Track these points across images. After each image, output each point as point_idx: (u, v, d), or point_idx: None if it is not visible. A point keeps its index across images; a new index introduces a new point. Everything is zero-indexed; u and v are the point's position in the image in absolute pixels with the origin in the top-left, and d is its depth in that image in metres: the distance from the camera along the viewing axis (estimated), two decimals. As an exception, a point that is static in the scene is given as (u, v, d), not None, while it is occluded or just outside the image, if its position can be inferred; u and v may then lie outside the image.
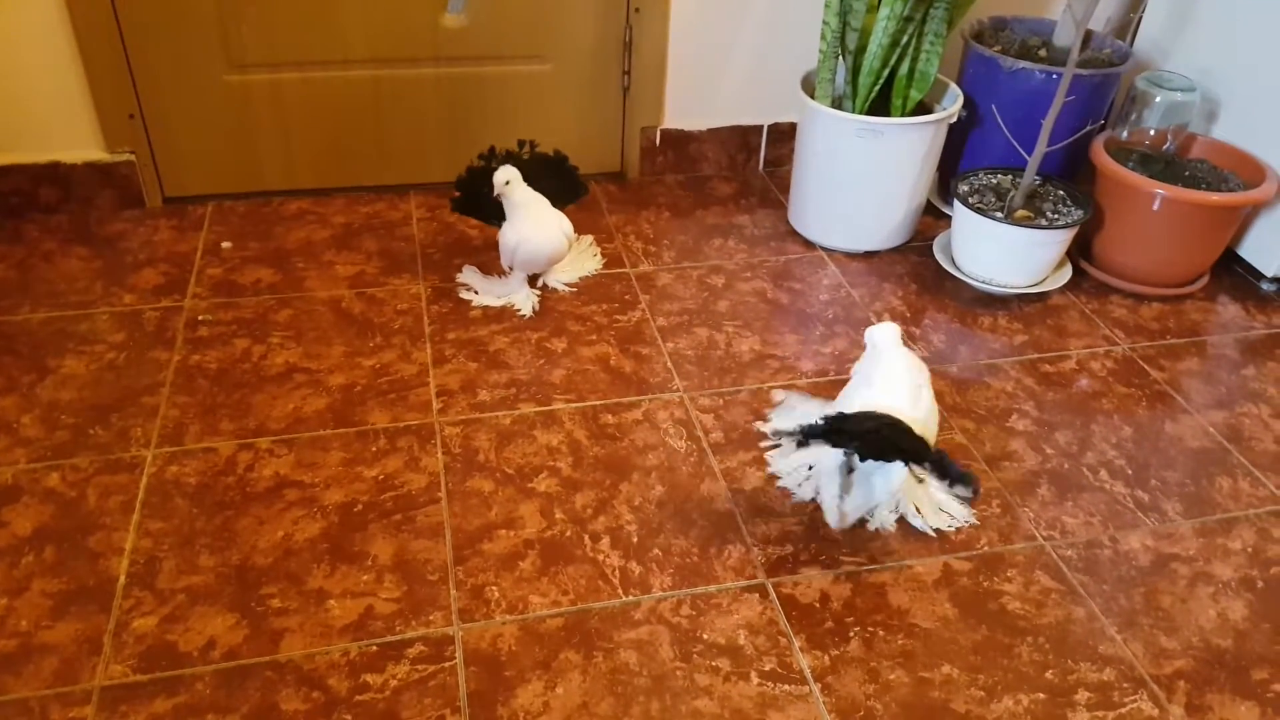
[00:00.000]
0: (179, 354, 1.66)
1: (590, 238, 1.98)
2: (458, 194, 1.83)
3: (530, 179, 1.75)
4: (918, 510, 1.37)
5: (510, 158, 1.77)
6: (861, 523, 1.36)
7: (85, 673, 1.15)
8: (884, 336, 1.33)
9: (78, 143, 1.99)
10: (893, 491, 1.30)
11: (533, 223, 1.74)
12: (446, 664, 1.17)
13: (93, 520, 1.34)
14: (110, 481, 1.41)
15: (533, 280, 1.86)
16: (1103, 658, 1.21)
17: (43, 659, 1.16)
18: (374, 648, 1.19)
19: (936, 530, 1.37)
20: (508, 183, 1.71)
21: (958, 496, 1.39)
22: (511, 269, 1.82)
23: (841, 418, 1.20)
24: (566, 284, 1.86)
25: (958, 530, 1.37)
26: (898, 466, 1.25)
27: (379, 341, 1.71)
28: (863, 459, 1.25)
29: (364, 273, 1.89)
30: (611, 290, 1.88)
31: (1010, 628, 1.25)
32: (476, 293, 1.82)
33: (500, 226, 1.78)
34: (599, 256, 1.95)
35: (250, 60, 1.98)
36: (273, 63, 1.99)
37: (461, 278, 1.86)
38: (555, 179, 1.83)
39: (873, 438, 1.19)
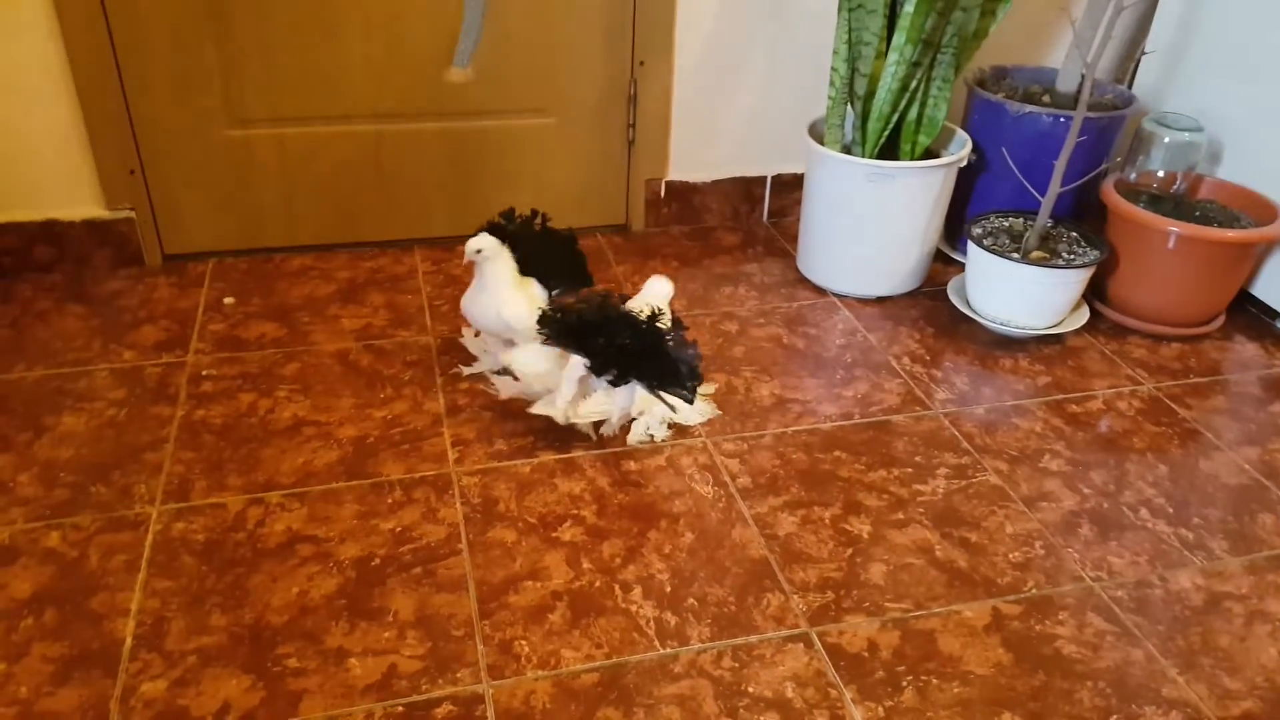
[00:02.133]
0: (182, 409, 1.60)
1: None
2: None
3: (528, 254, 1.62)
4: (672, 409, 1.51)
5: (521, 224, 1.63)
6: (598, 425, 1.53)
7: (90, 742, 1.07)
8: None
9: (76, 200, 1.95)
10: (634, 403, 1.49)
11: (489, 295, 1.59)
12: (478, 724, 1.10)
13: (95, 581, 1.27)
14: (113, 540, 1.34)
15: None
16: (1167, 700, 1.16)
17: (43, 729, 1.08)
18: (400, 708, 1.12)
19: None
20: (479, 251, 1.57)
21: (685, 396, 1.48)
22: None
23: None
24: (518, 370, 1.54)
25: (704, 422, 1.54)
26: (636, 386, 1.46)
27: (389, 393, 1.66)
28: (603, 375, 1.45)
29: (371, 325, 1.85)
30: (625, 339, 1.83)
31: (1068, 672, 1.19)
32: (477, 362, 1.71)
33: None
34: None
35: (252, 115, 1.96)
36: (275, 117, 1.97)
37: (464, 338, 1.76)
38: (560, 262, 1.68)
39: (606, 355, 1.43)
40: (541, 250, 1.65)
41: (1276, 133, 1.87)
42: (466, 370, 1.71)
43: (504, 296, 1.59)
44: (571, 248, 1.68)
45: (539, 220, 1.65)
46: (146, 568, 1.29)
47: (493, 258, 1.58)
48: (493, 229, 1.61)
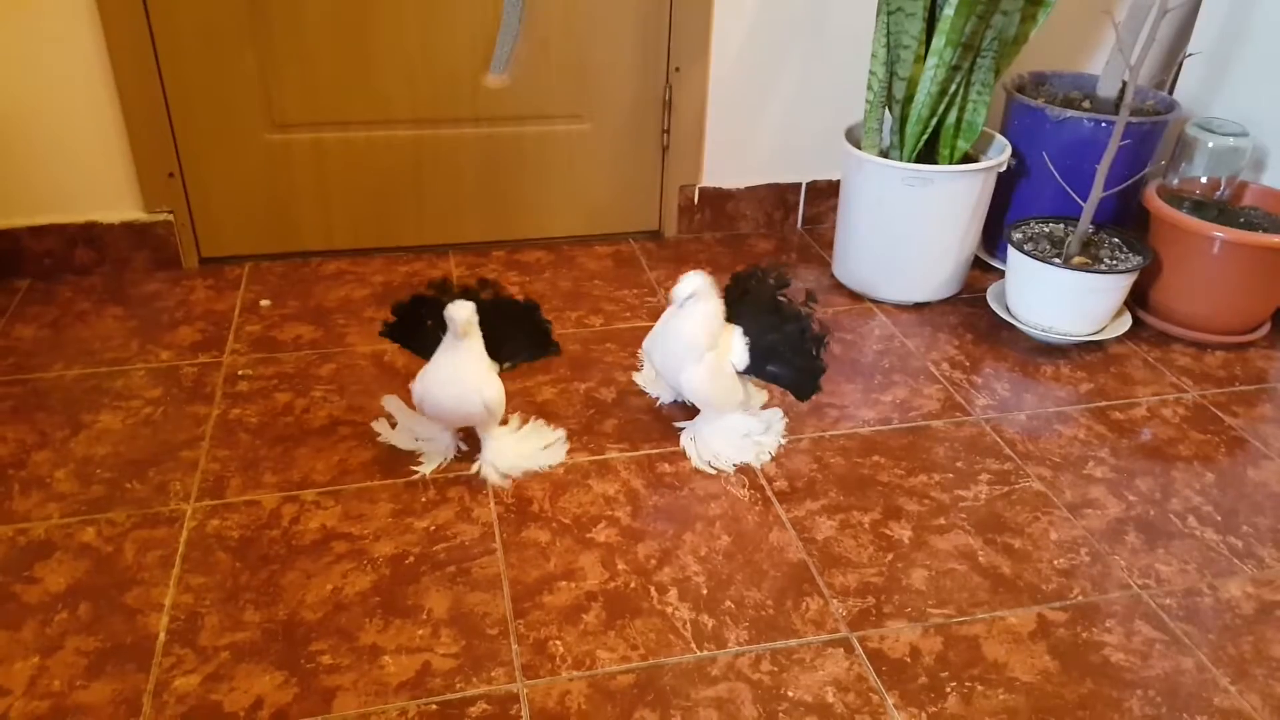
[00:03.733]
0: (218, 408, 1.60)
1: (562, 432, 1.54)
2: (393, 318, 1.47)
3: (490, 327, 1.40)
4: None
5: (467, 295, 1.41)
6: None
7: (124, 735, 1.06)
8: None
9: (115, 202, 1.97)
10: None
11: (449, 371, 1.38)
12: (513, 723, 1.08)
13: (130, 576, 1.27)
14: (148, 536, 1.34)
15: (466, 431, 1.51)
16: (1219, 710, 1.12)
17: (78, 720, 1.08)
18: (433, 706, 1.10)
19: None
20: (469, 320, 1.37)
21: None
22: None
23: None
24: (503, 474, 1.44)
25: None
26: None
27: (423, 394, 1.65)
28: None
29: (405, 328, 1.84)
30: (658, 343, 1.82)
31: (1116, 680, 1.16)
32: (393, 426, 1.50)
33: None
34: (563, 452, 1.51)
35: (291, 120, 1.97)
36: (314, 122, 1.99)
37: (385, 402, 1.55)
38: (520, 332, 1.49)
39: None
40: (504, 321, 1.45)
41: (1325, 137, 1.83)
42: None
43: (475, 371, 1.40)
44: (533, 315, 1.49)
45: (490, 291, 1.45)
46: (181, 563, 1.29)
47: (475, 328, 1.39)
48: (446, 295, 1.42)
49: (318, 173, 2.03)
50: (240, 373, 1.70)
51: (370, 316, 1.88)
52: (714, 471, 1.48)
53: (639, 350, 1.68)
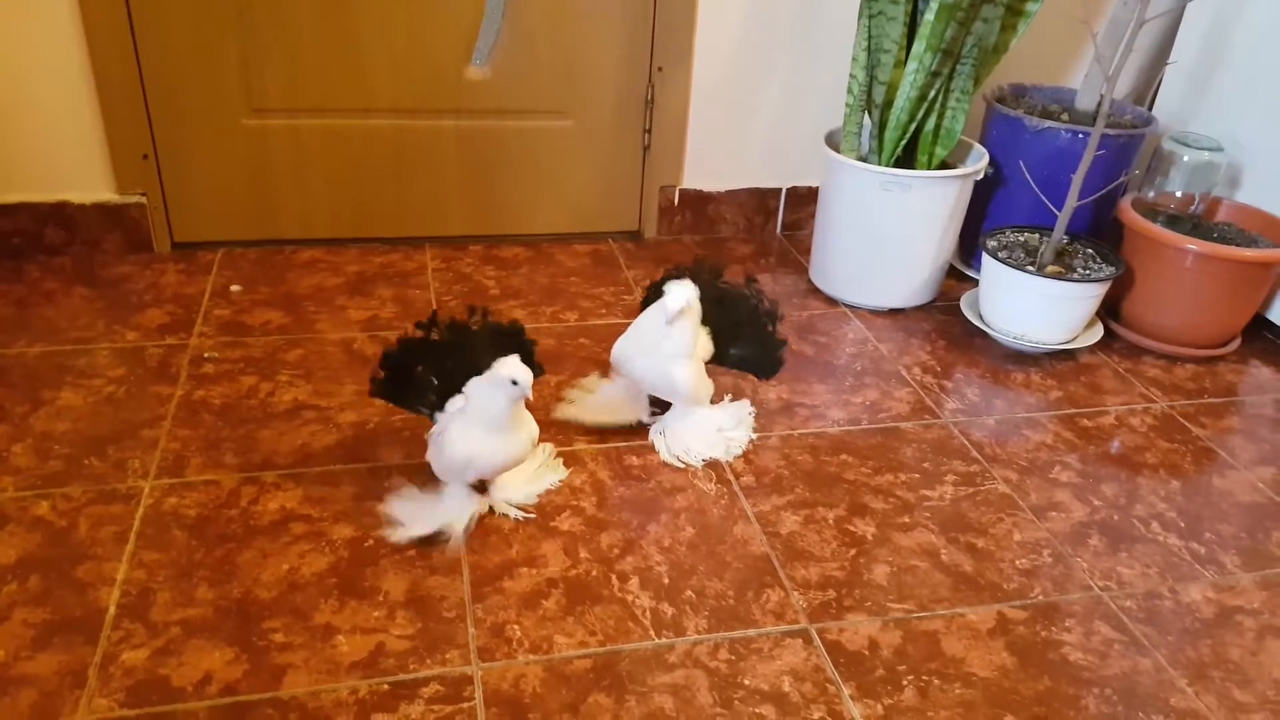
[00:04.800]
0: (182, 389, 1.59)
1: (550, 447, 1.48)
2: (382, 372, 1.30)
3: (474, 356, 1.25)
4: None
5: (457, 326, 1.27)
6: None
7: (67, 706, 1.04)
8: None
9: (88, 183, 1.95)
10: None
11: (495, 429, 1.24)
12: (465, 704, 1.07)
13: (83, 550, 1.25)
14: (104, 512, 1.31)
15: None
16: (1175, 710, 1.12)
17: (20, 691, 1.05)
18: (385, 686, 1.09)
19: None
20: (514, 382, 1.20)
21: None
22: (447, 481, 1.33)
23: None
24: (520, 507, 1.36)
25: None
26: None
27: (392, 381, 1.63)
28: None
29: (377, 317, 1.84)
30: (632, 339, 1.82)
31: (1074, 678, 1.15)
32: (403, 525, 1.30)
33: (431, 418, 1.29)
34: (561, 466, 1.45)
35: (270, 105, 1.96)
36: (293, 108, 1.98)
37: (386, 507, 1.33)
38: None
39: None
40: (491, 348, 1.26)
41: (1296, 155, 1.85)
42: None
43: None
44: (520, 338, 1.29)
45: (478, 316, 1.29)
46: (135, 540, 1.27)
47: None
48: (436, 331, 1.29)
49: (295, 160, 2.02)
50: (206, 355, 1.68)
51: (341, 305, 1.87)
52: (682, 465, 1.48)
53: (595, 372, 1.65)
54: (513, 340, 1.27)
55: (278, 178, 2.02)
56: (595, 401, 1.58)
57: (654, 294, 1.48)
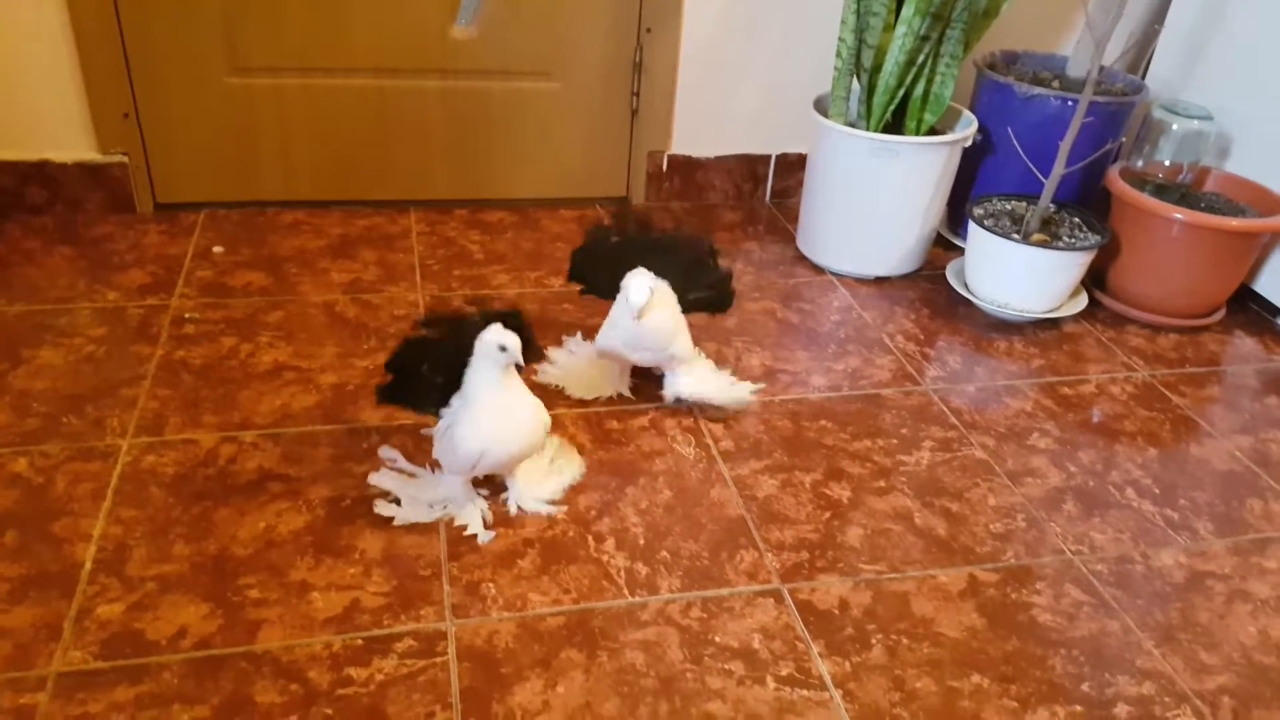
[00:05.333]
0: (163, 349, 1.58)
1: (557, 439, 1.41)
2: (390, 376, 1.27)
3: (461, 340, 1.20)
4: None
5: (457, 320, 1.22)
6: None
7: (41, 658, 1.04)
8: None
9: (69, 142, 1.94)
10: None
11: (505, 413, 1.21)
12: (438, 659, 1.08)
13: (60, 506, 1.25)
14: (82, 469, 1.32)
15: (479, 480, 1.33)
16: (1141, 671, 1.13)
17: (-6, 643, 1.06)
18: (359, 641, 1.10)
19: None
20: (503, 348, 1.16)
21: None
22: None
23: None
24: (550, 501, 1.31)
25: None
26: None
27: (373, 344, 1.64)
28: None
29: (360, 279, 1.83)
30: (615, 304, 1.82)
31: (1042, 639, 1.16)
32: (399, 504, 1.27)
33: (438, 416, 1.24)
34: (578, 456, 1.40)
35: (253, 63, 1.95)
36: (276, 67, 1.96)
37: (375, 478, 1.30)
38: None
39: None
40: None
41: (1278, 125, 1.84)
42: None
43: (523, 398, 1.25)
44: (518, 325, 1.21)
45: (475, 309, 1.24)
46: (112, 496, 1.27)
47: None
48: (432, 330, 1.25)
49: (278, 120, 2.00)
50: (187, 315, 1.67)
51: (325, 267, 1.86)
52: (721, 404, 1.52)
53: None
54: (512, 327, 1.19)
55: (260, 138, 2.01)
56: (577, 370, 1.58)
57: (581, 262, 1.53)
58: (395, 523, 1.25)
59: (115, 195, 2.00)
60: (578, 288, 1.57)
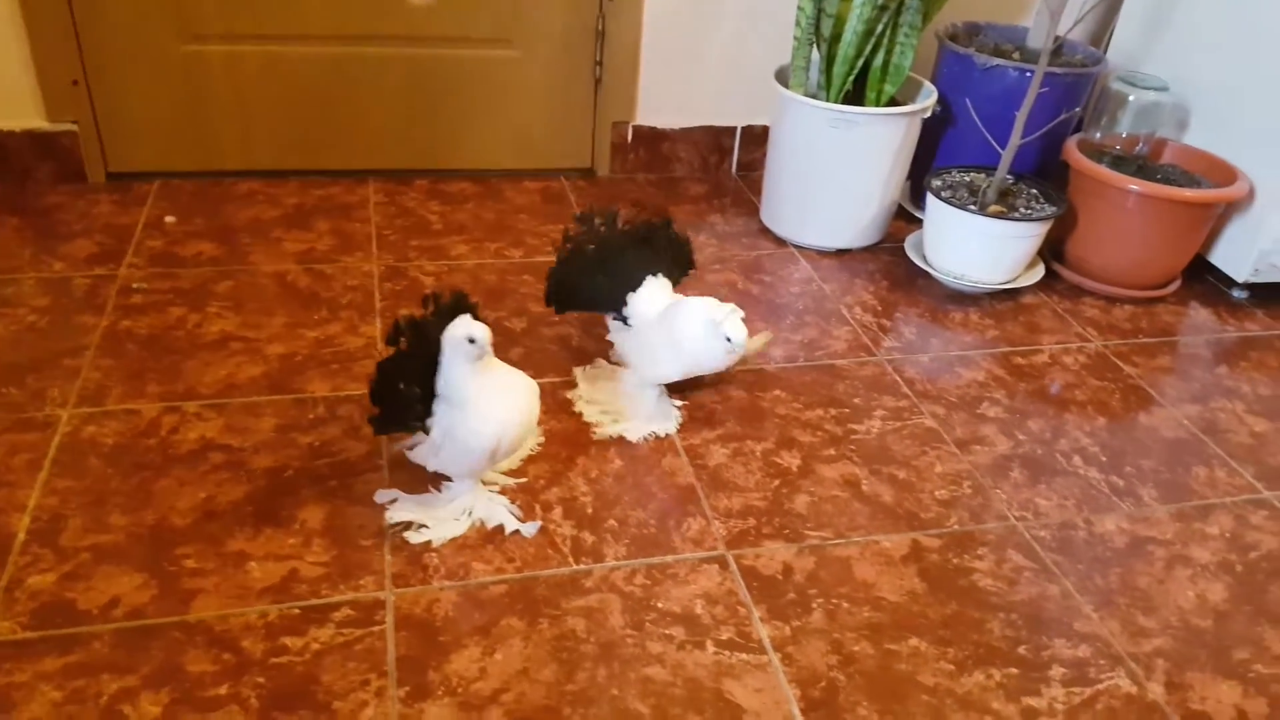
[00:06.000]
0: (108, 319, 1.56)
1: None
2: (378, 408, 1.18)
3: (426, 345, 1.15)
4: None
5: (416, 326, 1.14)
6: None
7: (-31, 628, 1.03)
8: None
9: (17, 110, 1.90)
10: None
11: (501, 394, 1.16)
12: (376, 628, 1.07)
13: (-4, 476, 1.23)
14: (18, 440, 1.30)
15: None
16: (1078, 634, 1.14)
17: (-78, 613, 1.05)
18: (296, 610, 1.09)
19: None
20: (471, 340, 1.11)
21: None
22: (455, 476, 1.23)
23: None
24: (509, 473, 1.31)
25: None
26: None
27: (324, 315, 1.62)
28: None
29: (314, 249, 1.81)
30: (572, 275, 1.80)
31: (982, 603, 1.17)
32: (427, 526, 1.21)
33: (425, 429, 1.17)
34: (537, 427, 1.37)
35: (207, 30, 1.91)
36: (230, 34, 1.92)
37: (392, 513, 1.21)
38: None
39: None
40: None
41: (1240, 99, 1.84)
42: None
43: (516, 379, 1.21)
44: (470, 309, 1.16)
45: (431, 305, 1.16)
46: (50, 467, 1.25)
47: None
48: (405, 332, 1.16)
49: (233, 88, 1.97)
50: (134, 286, 1.65)
51: (278, 237, 1.84)
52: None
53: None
54: (464, 309, 1.14)
55: (214, 107, 1.98)
56: (621, 407, 1.43)
57: (559, 282, 1.44)
58: (433, 545, 1.18)
59: (65, 165, 1.96)
60: (544, 259, 1.50)
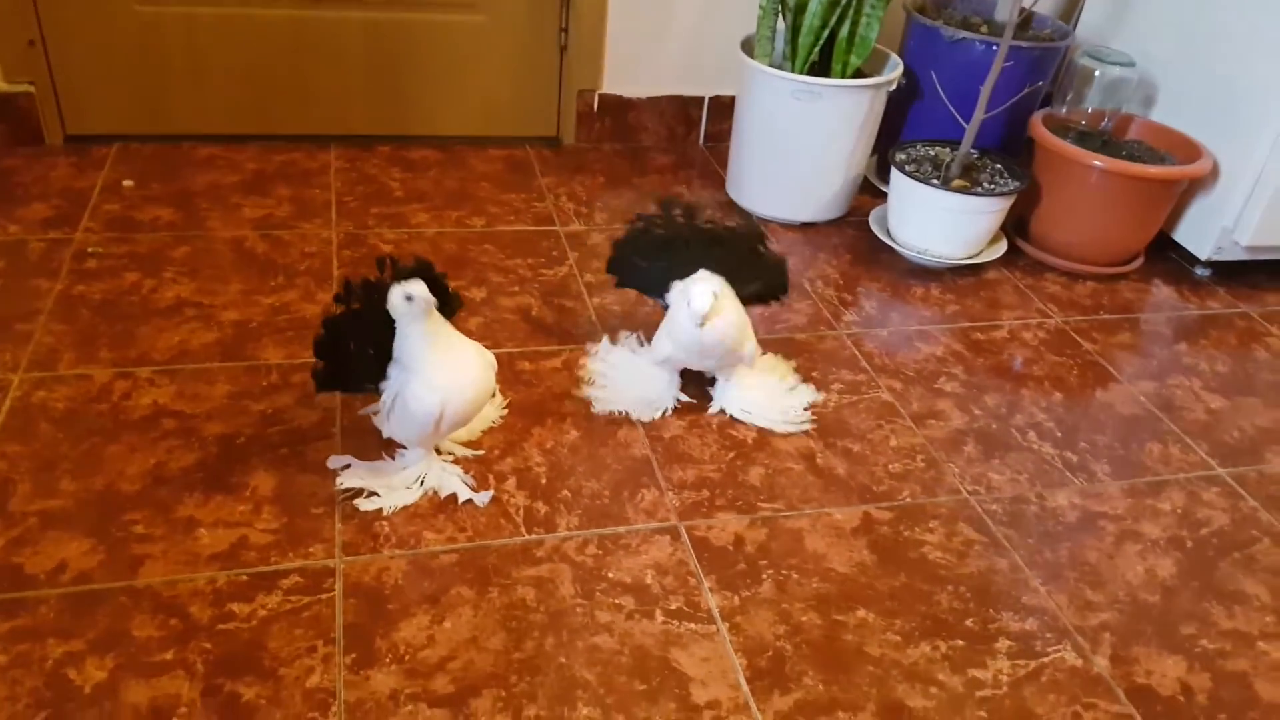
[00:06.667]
0: (62, 284, 1.54)
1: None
2: (321, 363, 1.18)
3: (380, 306, 1.12)
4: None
5: (370, 287, 1.14)
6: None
7: (-91, 593, 1.02)
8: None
9: (-29, 70, 1.86)
10: None
11: (452, 363, 1.15)
12: (324, 595, 1.07)
13: (-58, 442, 1.22)
14: (-33, 404, 1.28)
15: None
16: (1026, 607, 1.15)
17: None
18: (244, 577, 1.08)
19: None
20: (409, 298, 1.09)
21: None
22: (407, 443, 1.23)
23: None
24: (467, 444, 1.30)
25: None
26: None
27: (281, 281, 1.60)
28: None
29: (272, 215, 1.79)
30: (539, 246, 1.80)
31: (930, 576, 1.18)
32: (378, 494, 1.20)
33: (378, 390, 1.17)
34: (501, 400, 1.38)
35: (164, -10, 1.87)
36: (188, -5, 1.89)
37: (343, 479, 1.21)
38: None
39: None
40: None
41: (1205, 75, 1.85)
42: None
43: (465, 345, 1.20)
44: (434, 279, 1.16)
45: (388, 268, 1.14)
46: (-1, 431, 1.24)
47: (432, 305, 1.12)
48: (353, 297, 1.16)
49: (190, 50, 1.93)
50: (90, 250, 1.63)
51: (237, 203, 1.82)
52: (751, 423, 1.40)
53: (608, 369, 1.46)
54: (426, 279, 1.12)
55: (172, 69, 1.94)
56: (627, 389, 1.43)
57: (622, 255, 1.42)
58: (384, 514, 1.18)
59: (22, 127, 1.93)
60: (612, 280, 1.47)
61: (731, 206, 2.02)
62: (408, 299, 1.10)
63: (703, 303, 1.27)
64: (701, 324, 1.28)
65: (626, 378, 1.44)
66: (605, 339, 1.52)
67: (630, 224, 1.44)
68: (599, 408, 1.40)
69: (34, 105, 1.91)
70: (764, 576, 1.15)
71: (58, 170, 1.87)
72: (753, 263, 1.42)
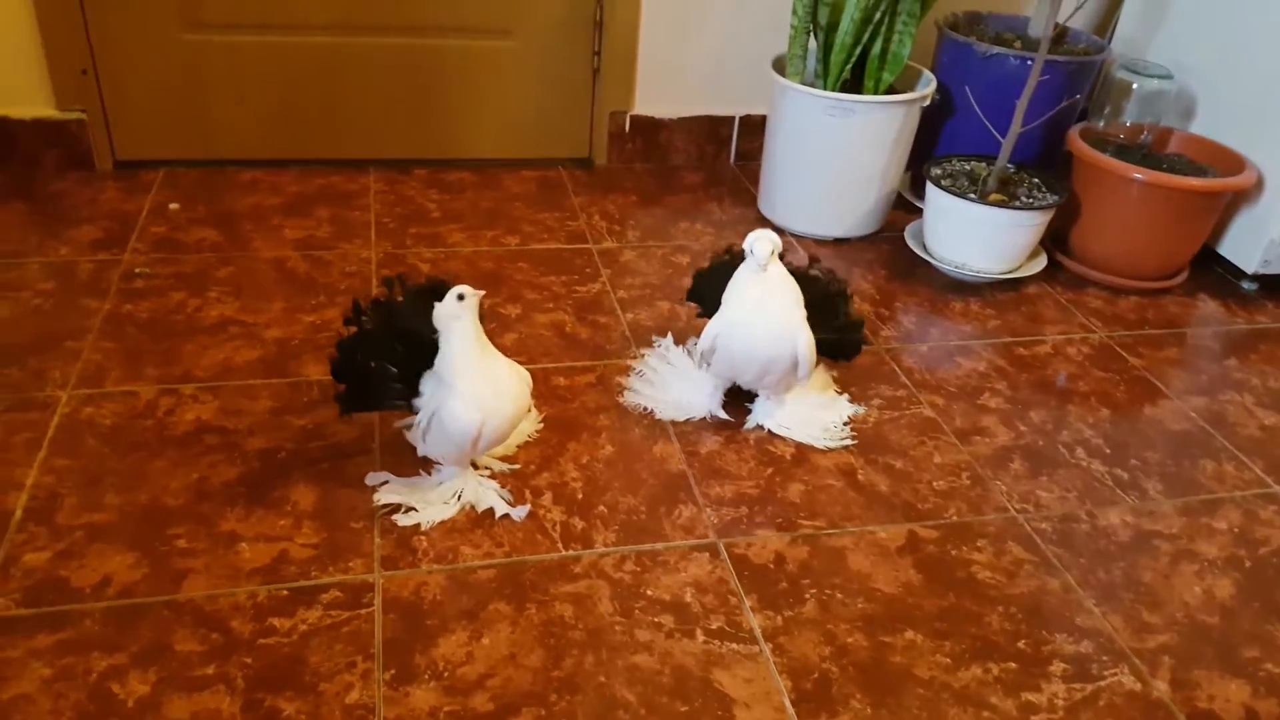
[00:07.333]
0: (110, 303, 1.57)
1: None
2: (343, 386, 1.21)
3: (413, 327, 1.16)
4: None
5: (379, 306, 1.18)
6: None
7: (-41, 606, 1.03)
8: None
9: (26, 98, 1.91)
10: None
11: (490, 380, 1.16)
12: (363, 611, 1.07)
13: (-8, 457, 1.24)
14: (19, 419, 1.30)
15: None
16: (1080, 629, 1.12)
17: (-87, 591, 1.05)
18: (284, 592, 1.09)
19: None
20: (461, 297, 1.13)
21: None
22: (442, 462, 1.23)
23: None
24: (503, 459, 1.30)
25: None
26: None
27: (322, 300, 1.62)
28: None
29: (313, 236, 1.81)
30: (572, 263, 1.80)
31: (979, 596, 1.16)
32: (416, 509, 1.20)
33: (410, 409, 1.18)
34: (536, 415, 1.38)
35: (208, 19, 1.91)
36: (231, 23, 1.93)
37: (381, 495, 1.21)
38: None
39: None
40: (420, 311, 1.17)
41: (1246, 86, 1.82)
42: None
43: (500, 363, 1.20)
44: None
45: (397, 287, 1.20)
46: (48, 446, 1.26)
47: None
48: (362, 318, 1.19)
49: (234, 77, 1.97)
50: (137, 270, 1.66)
51: (278, 224, 1.84)
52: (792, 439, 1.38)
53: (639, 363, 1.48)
54: (440, 295, 1.14)
55: (216, 96, 1.98)
56: (662, 384, 1.45)
57: (702, 284, 1.42)
58: (422, 528, 1.18)
59: (73, 152, 1.97)
60: (695, 309, 1.47)
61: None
62: (460, 298, 1.11)
63: (764, 248, 1.25)
64: (765, 266, 1.26)
65: (669, 379, 1.45)
66: (670, 336, 1.53)
67: (716, 255, 1.43)
68: (627, 400, 1.41)
69: (85, 132, 1.95)
70: (807, 596, 1.13)
71: (106, 194, 1.90)
72: (831, 314, 1.38)
